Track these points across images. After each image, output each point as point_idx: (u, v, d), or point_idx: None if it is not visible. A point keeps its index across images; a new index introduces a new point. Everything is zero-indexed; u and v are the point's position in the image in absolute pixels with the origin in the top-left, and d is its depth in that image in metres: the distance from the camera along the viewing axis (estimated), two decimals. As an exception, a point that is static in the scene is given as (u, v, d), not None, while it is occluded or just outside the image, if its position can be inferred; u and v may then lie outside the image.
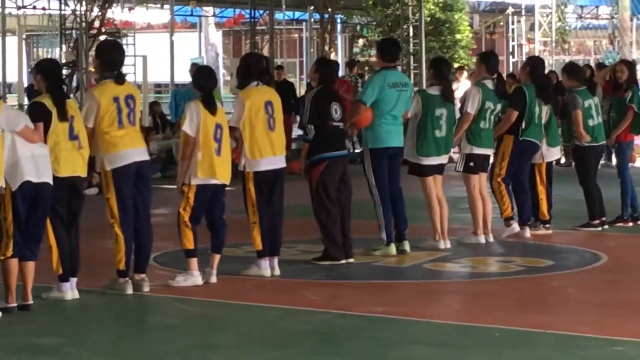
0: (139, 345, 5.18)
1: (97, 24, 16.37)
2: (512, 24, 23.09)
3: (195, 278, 6.34)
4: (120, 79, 6.12)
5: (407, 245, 7.53)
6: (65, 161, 5.79)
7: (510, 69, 21.49)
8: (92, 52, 14.91)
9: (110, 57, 6.38)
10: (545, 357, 4.86)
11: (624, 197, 8.73)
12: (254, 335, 5.37)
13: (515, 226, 8.18)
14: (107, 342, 5.25)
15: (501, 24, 25.69)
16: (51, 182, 5.60)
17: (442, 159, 7.92)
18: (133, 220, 6.17)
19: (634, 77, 9.19)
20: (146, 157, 6.42)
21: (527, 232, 8.21)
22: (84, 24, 15.37)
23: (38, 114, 5.67)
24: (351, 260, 7.19)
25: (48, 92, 5.85)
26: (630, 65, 9.58)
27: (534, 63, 8.77)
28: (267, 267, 6.65)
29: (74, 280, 5.97)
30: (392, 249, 7.47)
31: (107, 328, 5.73)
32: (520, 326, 5.33)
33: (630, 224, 8.81)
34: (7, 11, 20.30)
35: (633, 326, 5.30)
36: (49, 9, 19.94)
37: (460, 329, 5.41)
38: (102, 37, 15.55)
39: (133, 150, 6.13)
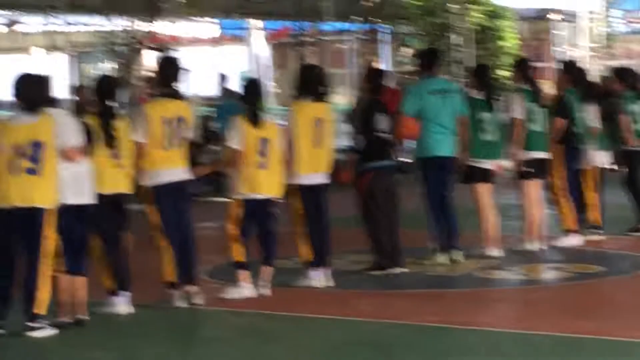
0: (192, 358, 5.29)
1: (143, 39, 16.64)
2: (557, 30, 23.03)
3: (246, 290, 6.41)
4: (175, 95, 6.27)
5: (459, 255, 7.58)
6: (108, 179, 5.94)
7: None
8: (140, 67, 15.28)
9: (169, 74, 6.50)
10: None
11: None
12: (306, 346, 5.45)
13: (576, 239, 8.16)
14: (161, 356, 5.36)
15: (547, 30, 25.66)
16: (92, 201, 5.75)
17: (491, 164, 7.94)
18: (177, 233, 6.30)
19: None
20: (186, 177, 6.50)
21: (577, 239, 8.21)
22: (131, 40, 15.65)
23: (84, 134, 5.81)
24: (402, 269, 7.25)
25: (97, 113, 6.04)
26: None
27: (569, 68, 8.78)
28: (318, 278, 6.73)
29: (126, 294, 6.10)
30: (443, 257, 7.52)
31: (160, 341, 5.84)
32: (573, 333, 5.33)
33: None
34: (55, 28, 20.88)
35: None
36: (96, 25, 20.69)
37: (513, 337, 5.42)
38: (149, 52, 15.82)
39: (174, 170, 6.27)
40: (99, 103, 6.19)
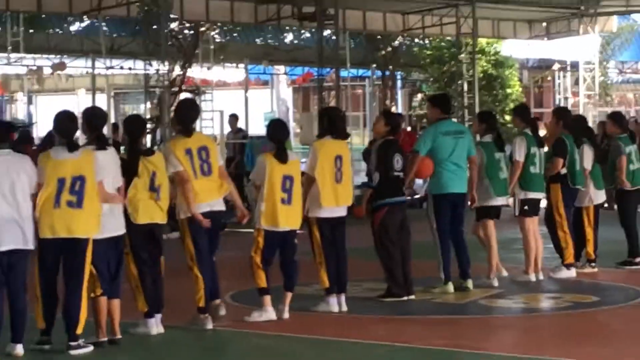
0: None
1: (178, 81, 17.31)
2: (558, 78, 23.81)
3: (269, 314, 6.68)
4: (188, 132, 6.51)
5: (470, 283, 7.84)
6: (143, 210, 6.21)
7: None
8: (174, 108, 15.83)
9: (183, 114, 6.81)
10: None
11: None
12: None
13: (574, 272, 8.51)
14: None
15: (548, 79, 26.37)
16: (123, 232, 6.08)
17: (503, 201, 8.39)
18: (208, 261, 6.55)
19: None
20: (218, 208, 6.71)
21: (574, 272, 8.53)
22: (166, 82, 16.06)
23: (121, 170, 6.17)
24: (412, 297, 7.49)
25: (131, 149, 6.40)
26: None
27: (561, 114, 9.05)
28: (335, 304, 6.98)
29: (158, 316, 6.36)
30: (450, 287, 7.75)
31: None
32: (570, 357, 5.58)
33: None
34: (97, 71, 22.02)
35: None
36: (135, 69, 21.33)
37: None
38: (183, 94, 16.48)
39: (207, 203, 6.49)
40: (130, 140, 6.50)
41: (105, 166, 5.97)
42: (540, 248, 8.56)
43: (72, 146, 5.82)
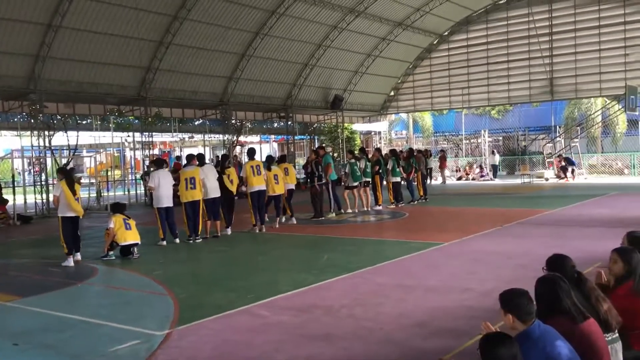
0: (256, 247, 15.71)
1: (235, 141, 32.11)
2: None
3: (276, 224, 17.77)
4: (255, 158, 19.61)
5: (340, 213, 19.29)
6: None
7: None
8: (235, 152, 31.45)
9: (250, 151, 17.94)
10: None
11: None
12: (285, 242, 15.99)
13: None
14: (245, 248, 15.64)
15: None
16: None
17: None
18: (258, 207, 17.86)
19: None
20: (264, 188, 17.21)
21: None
22: (230, 142, 31.08)
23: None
24: (322, 218, 18.79)
25: (222, 167, 16.89)
26: None
27: None
28: (292, 220, 18.20)
29: (229, 228, 17.00)
30: (334, 215, 19.13)
31: (245, 244, 16.02)
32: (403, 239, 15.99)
33: None
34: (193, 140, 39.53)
35: (427, 237, 15.69)
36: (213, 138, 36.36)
37: (370, 241, 15.90)
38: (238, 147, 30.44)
39: (258, 186, 16.90)
40: (222, 163, 17.05)
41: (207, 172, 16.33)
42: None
43: (190, 164, 16.24)
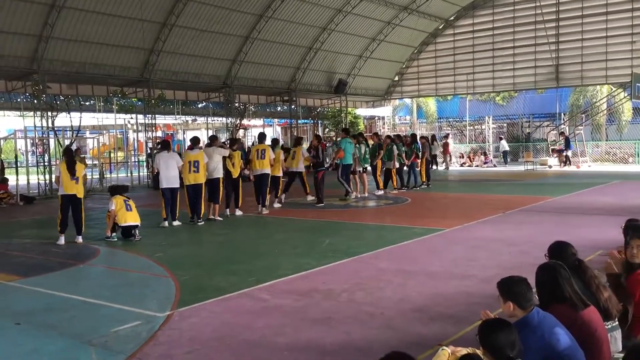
0: (257, 230, 15.94)
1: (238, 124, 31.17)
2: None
3: (275, 205, 17.83)
4: (262, 142, 19.90)
5: (351, 198, 19.29)
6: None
7: None
8: (238, 135, 30.77)
9: (260, 135, 19.36)
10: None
11: None
12: (286, 226, 16.33)
13: None
14: (246, 230, 15.95)
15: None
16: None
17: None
18: (258, 189, 17.72)
19: None
20: (267, 171, 17.53)
21: None
22: (233, 126, 29.99)
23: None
24: (322, 204, 18.81)
25: (230, 148, 17.23)
26: None
27: None
28: (277, 204, 18.34)
29: (240, 210, 17.33)
30: (343, 200, 19.21)
31: (248, 226, 16.36)
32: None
33: None
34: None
35: (429, 222, 15.56)
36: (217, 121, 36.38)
37: (371, 226, 16.20)
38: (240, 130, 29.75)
39: (260, 169, 17.40)
40: (230, 145, 17.27)
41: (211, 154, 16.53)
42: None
43: (194, 148, 16.31)
